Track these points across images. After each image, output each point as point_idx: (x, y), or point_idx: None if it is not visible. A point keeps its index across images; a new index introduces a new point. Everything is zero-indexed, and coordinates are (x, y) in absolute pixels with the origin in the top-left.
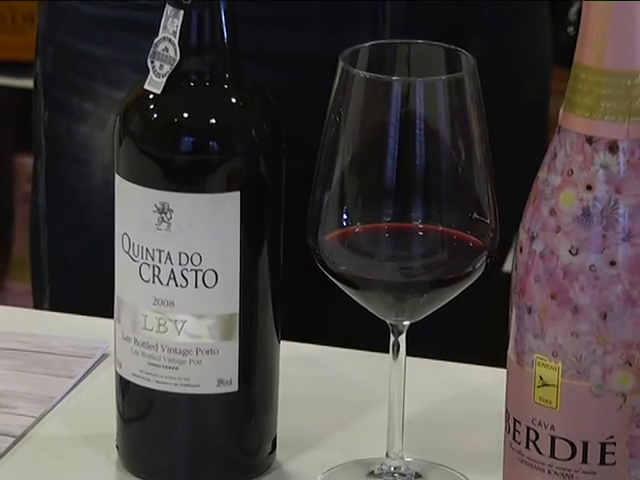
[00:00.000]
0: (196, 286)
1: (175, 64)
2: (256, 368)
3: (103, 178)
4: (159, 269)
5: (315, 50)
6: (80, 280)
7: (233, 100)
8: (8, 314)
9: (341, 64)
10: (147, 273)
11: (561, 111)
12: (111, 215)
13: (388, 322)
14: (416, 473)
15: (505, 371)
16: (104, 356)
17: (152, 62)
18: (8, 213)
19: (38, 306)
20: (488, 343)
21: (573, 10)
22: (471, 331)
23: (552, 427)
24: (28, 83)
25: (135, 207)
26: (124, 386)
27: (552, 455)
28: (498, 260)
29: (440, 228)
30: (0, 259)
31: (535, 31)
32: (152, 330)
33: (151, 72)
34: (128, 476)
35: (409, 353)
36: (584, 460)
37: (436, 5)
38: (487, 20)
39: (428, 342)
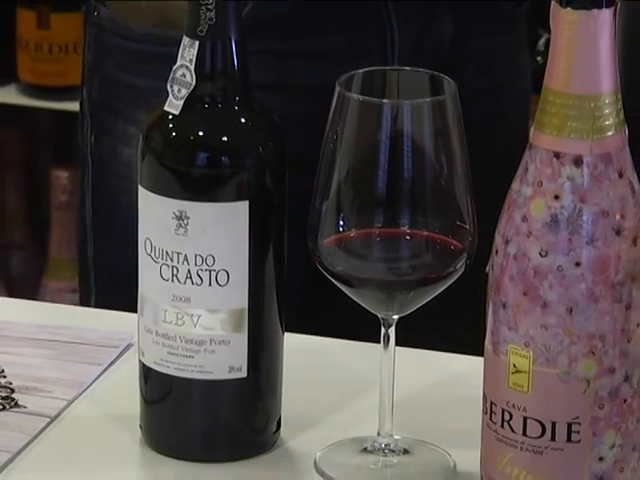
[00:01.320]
0: (210, 284)
1: (191, 88)
2: (263, 357)
3: None
4: (177, 269)
5: (331, 81)
6: (123, 284)
7: (242, 120)
8: (46, 309)
9: (338, 88)
10: (167, 273)
11: (532, 130)
12: None
13: (379, 316)
14: (404, 449)
15: (483, 359)
16: (129, 346)
17: (171, 86)
18: (45, 220)
19: (85, 306)
20: (478, 338)
21: (541, 41)
22: (461, 328)
23: (524, 409)
24: (63, 106)
25: (156, 214)
26: (146, 373)
27: (524, 434)
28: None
29: (425, 233)
30: (39, 260)
31: (520, 64)
32: (171, 323)
33: (170, 95)
34: (150, 452)
35: (404, 346)
36: (553, 438)
37: (437, 41)
38: (479, 54)
39: (422, 338)
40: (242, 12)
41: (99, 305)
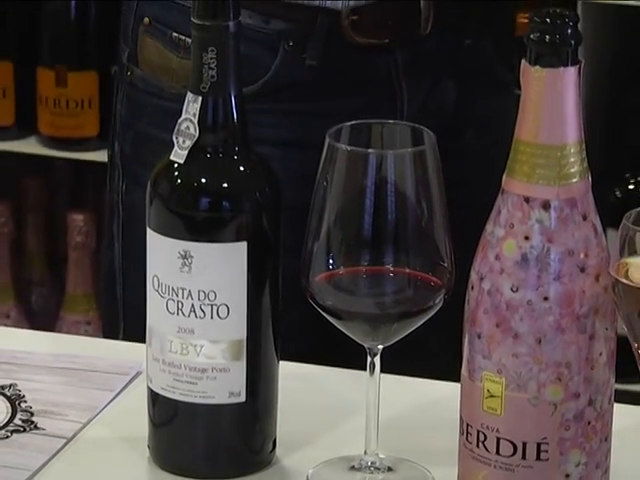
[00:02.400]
0: (212, 317)
1: (195, 139)
2: (260, 383)
3: None
4: (182, 303)
5: None
6: None
7: (241, 168)
8: (63, 340)
9: (327, 140)
10: (172, 307)
11: (504, 177)
12: None
13: (366, 346)
14: (388, 467)
15: (460, 385)
16: (138, 374)
17: (176, 138)
18: (63, 259)
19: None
20: (455, 366)
21: None
22: (448, 357)
23: (497, 430)
24: (79, 156)
25: (163, 254)
26: (154, 398)
27: (497, 453)
28: None
29: (407, 270)
30: (57, 295)
31: (513, 125)
32: (176, 353)
33: (176, 146)
34: (157, 470)
35: (389, 373)
36: (523, 457)
37: (442, 104)
38: (478, 116)
39: (405, 366)
40: (263, 75)
41: (127, 339)
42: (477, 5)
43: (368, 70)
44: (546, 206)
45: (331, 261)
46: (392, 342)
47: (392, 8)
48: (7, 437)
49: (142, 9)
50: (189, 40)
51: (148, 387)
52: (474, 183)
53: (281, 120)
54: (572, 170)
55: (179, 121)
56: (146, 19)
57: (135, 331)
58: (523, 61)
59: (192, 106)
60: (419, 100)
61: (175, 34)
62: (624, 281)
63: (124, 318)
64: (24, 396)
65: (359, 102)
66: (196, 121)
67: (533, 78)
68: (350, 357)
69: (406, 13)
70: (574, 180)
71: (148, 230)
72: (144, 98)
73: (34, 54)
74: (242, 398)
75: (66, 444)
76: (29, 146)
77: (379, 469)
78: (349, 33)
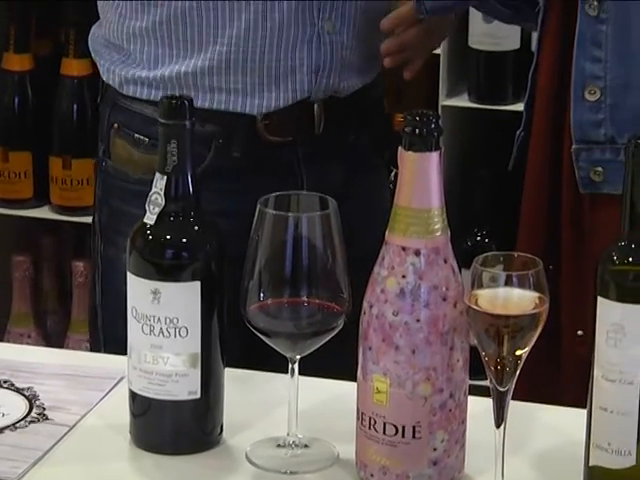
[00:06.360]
0: (175, 336)
1: (162, 207)
2: (211, 384)
3: None
4: (153, 327)
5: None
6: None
7: (196, 228)
8: (68, 354)
9: (258, 206)
10: (146, 329)
11: (386, 232)
12: None
13: (287, 356)
14: (305, 444)
15: (356, 384)
16: (122, 378)
17: (148, 206)
18: (69, 295)
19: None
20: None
21: (393, 174)
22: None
23: (384, 416)
24: (80, 219)
25: (139, 291)
26: (134, 396)
27: (384, 433)
28: None
29: (317, 301)
30: (65, 321)
31: (384, 196)
32: (149, 363)
33: (148, 212)
34: (136, 449)
35: (307, 375)
36: (403, 436)
37: (331, 184)
38: (359, 191)
39: (323, 370)
40: (202, 164)
41: (108, 352)
42: (357, 111)
43: (277, 159)
44: (417, 253)
45: (262, 295)
46: (307, 353)
47: (294, 113)
48: (26, 426)
49: (113, 117)
50: (147, 139)
51: (129, 388)
52: (356, 238)
53: (216, 196)
54: (436, 227)
55: (149, 194)
56: (115, 125)
57: (112, 347)
58: (400, 148)
59: (159, 182)
60: (314, 180)
61: (137, 135)
62: (474, 307)
63: (104, 339)
64: (39, 396)
65: (272, 183)
66: (162, 194)
67: (407, 160)
68: (276, 364)
69: (304, 117)
70: (438, 234)
71: (128, 273)
72: (115, 182)
73: (47, 146)
74: (198, 395)
75: (69, 431)
76: (44, 213)
77: (298, 446)
78: (263, 133)
